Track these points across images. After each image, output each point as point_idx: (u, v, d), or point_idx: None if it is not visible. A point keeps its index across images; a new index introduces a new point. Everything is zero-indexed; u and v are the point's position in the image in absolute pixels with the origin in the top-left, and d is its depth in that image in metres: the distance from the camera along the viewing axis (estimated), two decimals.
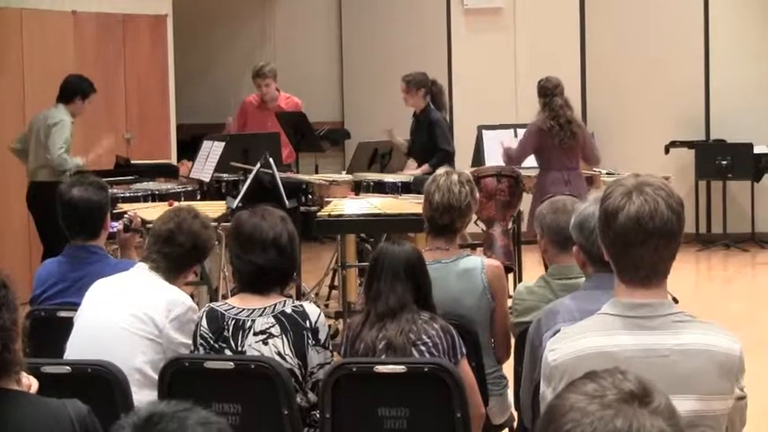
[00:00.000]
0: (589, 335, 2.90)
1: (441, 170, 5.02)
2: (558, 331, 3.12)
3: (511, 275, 8.11)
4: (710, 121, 12.84)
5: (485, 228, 8.56)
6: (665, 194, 2.84)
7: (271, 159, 7.95)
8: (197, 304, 4.58)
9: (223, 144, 8.77)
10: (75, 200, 4.98)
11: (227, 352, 4.12)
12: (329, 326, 4.34)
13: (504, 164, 8.78)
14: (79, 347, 4.31)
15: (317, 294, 9.45)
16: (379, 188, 8.87)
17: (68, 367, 4.00)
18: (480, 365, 4.55)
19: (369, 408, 4.00)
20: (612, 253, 2.91)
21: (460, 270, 4.80)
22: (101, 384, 3.91)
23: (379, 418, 3.98)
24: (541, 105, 8.79)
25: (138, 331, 4.25)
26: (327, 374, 4.01)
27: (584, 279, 4.06)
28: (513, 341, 4.77)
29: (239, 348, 4.11)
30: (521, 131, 9.14)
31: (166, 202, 7.66)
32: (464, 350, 4.21)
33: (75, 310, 4.47)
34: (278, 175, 7.97)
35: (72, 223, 5.01)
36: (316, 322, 4.13)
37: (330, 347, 4.20)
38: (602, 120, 12.70)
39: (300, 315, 4.13)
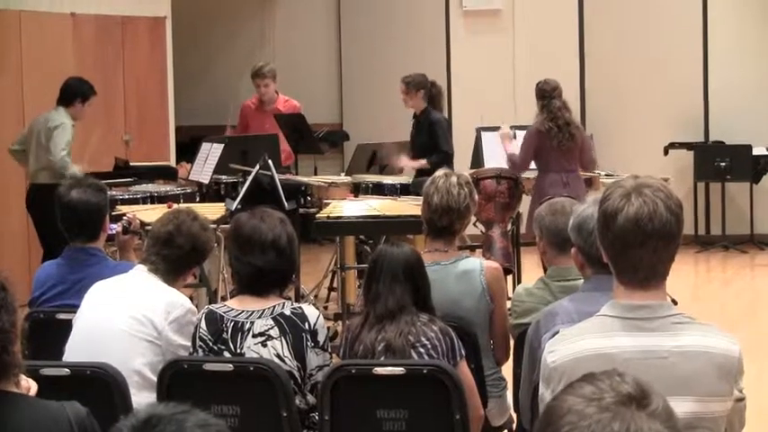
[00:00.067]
0: (588, 336, 2.90)
1: (439, 172, 5.02)
2: (557, 333, 3.13)
3: (510, 277, 8.11)
4: (709, 122, 12.84)
5: (484, 229, 8.56)
6: (663, 196, 2.84)
7: (270, 161, 7.95)
8: (196, 306, 4.58)
9: (222, 146, 8.77)
10: (74, 202, 4.98)
11: (226, 354, 4.12)
12: (328, 328, 4.34)
13: (508, 169, 8.77)
14: (78, 349, 4.31)
15: (316, 296, 9.44)
16: (378, 190, 8.88)
17: (67, 369, 4.01)
18: (479, 367, 4.55)
19: (368, 410, 4.00)
20: (611, 255, 2.91)
21: (459, 272, 4.80)
22: (100, 386, 3.91)
23: (378, 419, 3.98)
24: (540, 107, 8.79)
25: (137, 333, 4.25)
26: (326, 376, 4.01)
27: (582, 281, 4.06)
28: (512, 343, 4.77)
29: (238, 350, 4.11)
30: (520, 133, 9.13)
31: (165, 204, 7.66)
32: (463, 352, 4.21)
33: (74, 313, 4.47)
34: (277, 176, 7.97)
35: (71, 225, 5.01)
36: (315, 324, 4.13)
37: (329, 349, 4.20)
38: (601, 121, 12.70)
39: (299, 317, 4.13)
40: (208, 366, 4.04)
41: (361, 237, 8.62)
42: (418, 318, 4.17)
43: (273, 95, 10.44)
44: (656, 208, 2.82)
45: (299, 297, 8.34)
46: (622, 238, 2.84)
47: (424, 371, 3.96)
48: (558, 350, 2.92)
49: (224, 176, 9.04)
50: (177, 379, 4.03)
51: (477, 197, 5.04)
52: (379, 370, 3.98)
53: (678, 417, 1.80)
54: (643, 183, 2.86)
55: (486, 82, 12.94)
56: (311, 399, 4.13)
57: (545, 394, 2.95)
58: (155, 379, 4.13)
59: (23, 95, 9.99)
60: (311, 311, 4.18)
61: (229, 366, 4.02)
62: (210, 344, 4.14)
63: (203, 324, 4.18)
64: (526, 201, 8.85)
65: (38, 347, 4.74)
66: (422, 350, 4.12)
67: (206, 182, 8.80)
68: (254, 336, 4.11)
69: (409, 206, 7.60)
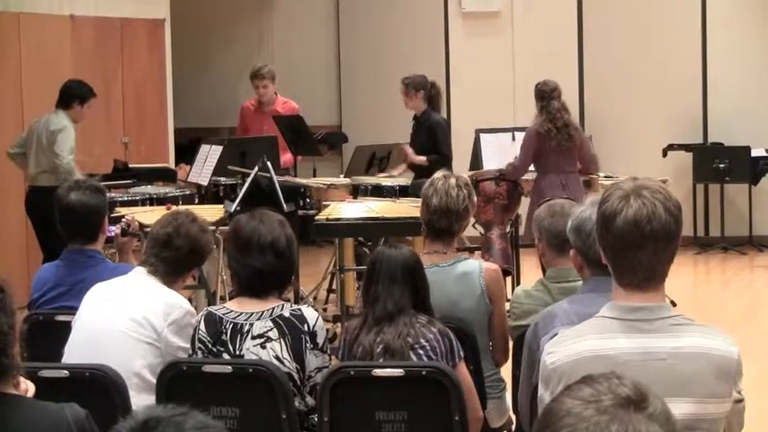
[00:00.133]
0: (587, 338, 2.90)
1: (438, 174, 5.02)
2: (556, 334, 3.13)
3: (509, 279, 8.12)
4: (708, 124, 12.84)
5: (483, 231, 8.57)
6: (662, 197, 2.84)
7: (269, 163, 7.95)
8: (195, 308, 4.58)
9: (221, 148, 8.76)
10: (73, 204, 4.98)
11: (225, 356, 4.12)
12: (327, 329, 4.34)
13: (510, 174, 8.75)
14: (77, 351, 4.31)
15: (315, 298, 9.44)
16: (377, 192, 8.88)
17: (66, 371, 4.01)
18: (478, 369, 4.56)
19: (367, 411, 4.00)
20: (610, 256, 2.91)
21: (458, 273, 4.80)
22: (99, 388, 3.91)
23: (377, 421, 3.98)
24: (539, 109, 8.79)
25: (137, 335, 4.25)
26: (325, 378, 4.01)
27: (581, 282, 4.06)
28: (510, 344, 4.77)
29: (237, 352, 4.11)
30: (518, 135, 9.13)
31: (164, 206, 7.65)
32: (462, 353, 4.21)
33: (73, 314, 4.47)
34: (276, 178, 7.97)
35: (70, 227, 5.01)
36: (314, 326, 4.13)
37: (328, 351, 4.21)
38: (600, 123, 12.70)
39: (298, 319, 4.13)
40: (207, 368, 4.04)
41: (360, 238, 8.62)
42: (417, 319, 4.18)
43: (272, 97, 10.45)
44: (654, 209, 2.82)
45: (299, 299, 8.34)
46: (621, 240, 2.84)
47: (423, 372, 3.96)
48: (556, 351, 2.92)
49: (223, 178, 9.04)
50: (176, 381, 4.03)
51: (476, 199, 5.05)
52: (379, 372, 3.98)
53: (677, 419, 1.81)
54: (642, 184, 2.87)
55: (485, 83, 12.94)
56: (310, 400, 4.13)
57: (544, 395, 2.95)
58: (154, 381, 4.13)
59: (22, 98, 9.98)
60: (310, 313, 4.18)
61: (228, 368, 4.02)
62: (210, 345, 4.14)
63: (202, 326, 4.18)
64: (525, 202, 8.85)
65: (37, 349, 4.73)
66: (421, 352, 4.12)
67: (205, 184, 8.80)
68: (254, 337, 4.11)
69: (408, 208, 7.61)
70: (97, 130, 10.33)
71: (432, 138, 9.40)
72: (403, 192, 8.80)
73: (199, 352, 4.16)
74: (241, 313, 4.16)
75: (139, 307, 4.29)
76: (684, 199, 12.05)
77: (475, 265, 4.86)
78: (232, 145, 9.13)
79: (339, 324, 7.95)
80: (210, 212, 7.47)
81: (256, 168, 7.95)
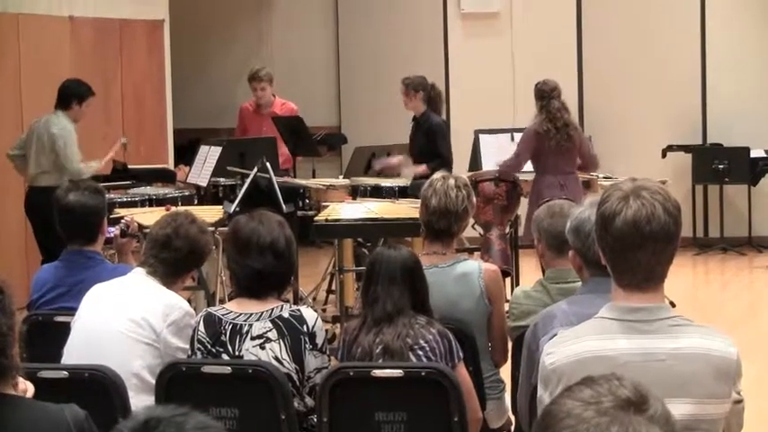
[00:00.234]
0: (586, 338, 2.90)
1: (437, 174, 5.02)
2: (555, 335, 3.13)
3: (508, 279, 8.12)
4: (707, 124, 12.84)
5: (482, 232, 8.56)
6: (662, 198, 2.84)
7: (268, 164, 7.95)
8: (194, 309, 4.58)
9: (220, 149, 8.76)
10: (72, 204, 4.98)
11: (225, 356, 4.12)
12: (326, 330, 4.34)
13: (504, 169, 8.75)
14: (76, 352, 4.31)
15: (314, 299, 9.44)
16: (376, 192, 8.88)
17: (66, 372, 4.01)
18: (478, 369, 4.56)
19: (366, 412, 4.00)
20: (610, 257, 2.91)
21: (458, 274, 4.80)
22: (98, 389, 3.91)
23: (377, 422, 3.98)
24: (538, 108, 8.78)
25: (136, 336, 4.25)
26: (325, 379, 4.01)
27: (580, 283, 4.06)
28: (510, 345, 4.77)
29: (236, 353, 4.11)
30: (518, 136, 9.13)
31: (163, 207, 7.66)
32: (461, 354, 4.21)
33: (73, 315, 4.47)
34: (275, 179, 7.97)
35: (69, 228, 5.01)
36: (313, 327, 4.14)
37: (327, 352, 4.21)
38: (599, 123, 12.70)
39: (298, 319, 4.13)
40: (206, 369, 4.04)
41: (360, 239, 8.62)
42: (416, 320, 4.17)
43: (270, 99, 10.46)
44: (654, 210, 2.82)
45: (298, 299, 8.34)
46: (621, 241, 2.84)
47: (423, 373, 3.96)
48: (556, 352, 2.92)
49: (222, 179, 9.04)
50: (176, 381, 4.03)
51: (475, 199, 5.05)
52: (378, 372, 3.98)
53: (676, 420, 1.81)
54: (641, 185, 2.87)
55: (484, 84, 12.94)
56: (310, 401, 4.13)
57: (543, 396, 2.95)
58: (153, 381, 4.13)
59: (21, 98, 9.98)
60: (309, 314, 4.18)
61: (228, 369, 4.02)
62: (209, 346, 4.14)
63: (201, 327, 4.18)
64: (525, 203, 8.85)
65: (36, 350, 4.73)
66: (420, 352, 4.12)
67: (204, 185, 8.79)
68: (253, 338, 4.11)
69: (407, 209, 7.61)
70: (97, 131, 10.31)
71: (430, 140, 9.38)
72: (402, 192, 8.80)
73: (198, 353, 4.16)
74: (240, 314, 4.16)
75: (138, 308, 4.29)
76: (684, 200, 12.04)
77: (474, 266, 4.86)
78: (231, 146, 9.13)
79: (338, 325, 7.94)
80: (210, 213, 7.47)
81: (255, 169, 7.95)
